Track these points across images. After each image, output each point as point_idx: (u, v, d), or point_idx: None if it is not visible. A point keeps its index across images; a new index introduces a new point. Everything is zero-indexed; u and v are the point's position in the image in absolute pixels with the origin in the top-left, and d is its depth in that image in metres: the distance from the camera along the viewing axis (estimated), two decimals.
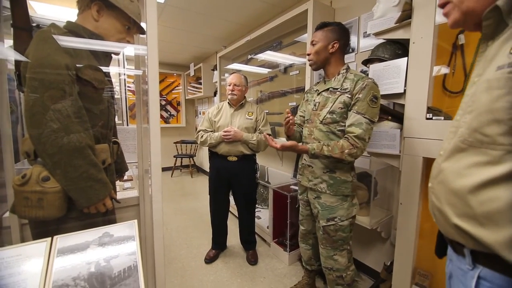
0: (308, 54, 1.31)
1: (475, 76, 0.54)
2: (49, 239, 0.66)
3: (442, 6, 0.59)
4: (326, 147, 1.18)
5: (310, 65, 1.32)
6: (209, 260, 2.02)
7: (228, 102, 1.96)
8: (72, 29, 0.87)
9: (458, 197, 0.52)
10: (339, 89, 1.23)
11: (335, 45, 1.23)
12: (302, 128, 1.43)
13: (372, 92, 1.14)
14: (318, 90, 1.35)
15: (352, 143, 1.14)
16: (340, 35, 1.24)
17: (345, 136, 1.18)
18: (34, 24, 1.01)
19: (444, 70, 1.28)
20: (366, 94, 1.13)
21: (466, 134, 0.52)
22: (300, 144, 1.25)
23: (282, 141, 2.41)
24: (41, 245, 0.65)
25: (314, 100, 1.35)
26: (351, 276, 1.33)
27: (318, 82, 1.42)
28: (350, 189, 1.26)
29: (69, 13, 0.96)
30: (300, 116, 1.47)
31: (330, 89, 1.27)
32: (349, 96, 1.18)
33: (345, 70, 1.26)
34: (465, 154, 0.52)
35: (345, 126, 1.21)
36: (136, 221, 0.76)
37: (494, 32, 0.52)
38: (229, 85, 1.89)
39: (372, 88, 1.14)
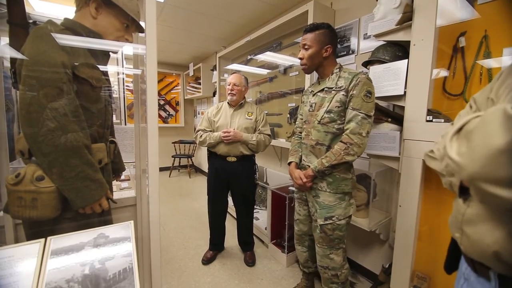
0: (301, 58, 1.29)
1: None
2: (42, 240, 0.64)
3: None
4: (324, 159, 1.21)
5: (303, 69, 1.32)
6: (207, 261, 2.01)
7: (227, 102, 1.95)
8: (69, 26, 0.85)
9: None
10: (334, 88, 1.23)
11: (328, 49, 1.25)
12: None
13: (366, 88, 1.15)
14: (313, 91, 1.35)
15: (345, 141, 1.16)
16: (332, 38, 1.25)
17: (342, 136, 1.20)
18: (30, 21, 0.99)
19: (444, 72, 1.28)
20: (360, 90, 1.15)
21: None
22: (309, 170, 1.28)
23: (281, 142, 2.42)
24: (34, 246, 0.64)
25: (309, 101, 1.36)
26: (345, 275, 1.34)
27: (312, 84, 1.43)
28: (350, 186, 1.27)
29: (69, 11, 0.94)
30: (300, 119, 1.47)
31: (325, 89, 1.28)
32: (344, 94, 1.19)
33: (338, 69, 1.27)
34: None
35: (343, 124, 1.21)
36: (132, 222, 0.75)
37: None
38: (229, 85, 1.88)
39: (365, 83, 1.15)
